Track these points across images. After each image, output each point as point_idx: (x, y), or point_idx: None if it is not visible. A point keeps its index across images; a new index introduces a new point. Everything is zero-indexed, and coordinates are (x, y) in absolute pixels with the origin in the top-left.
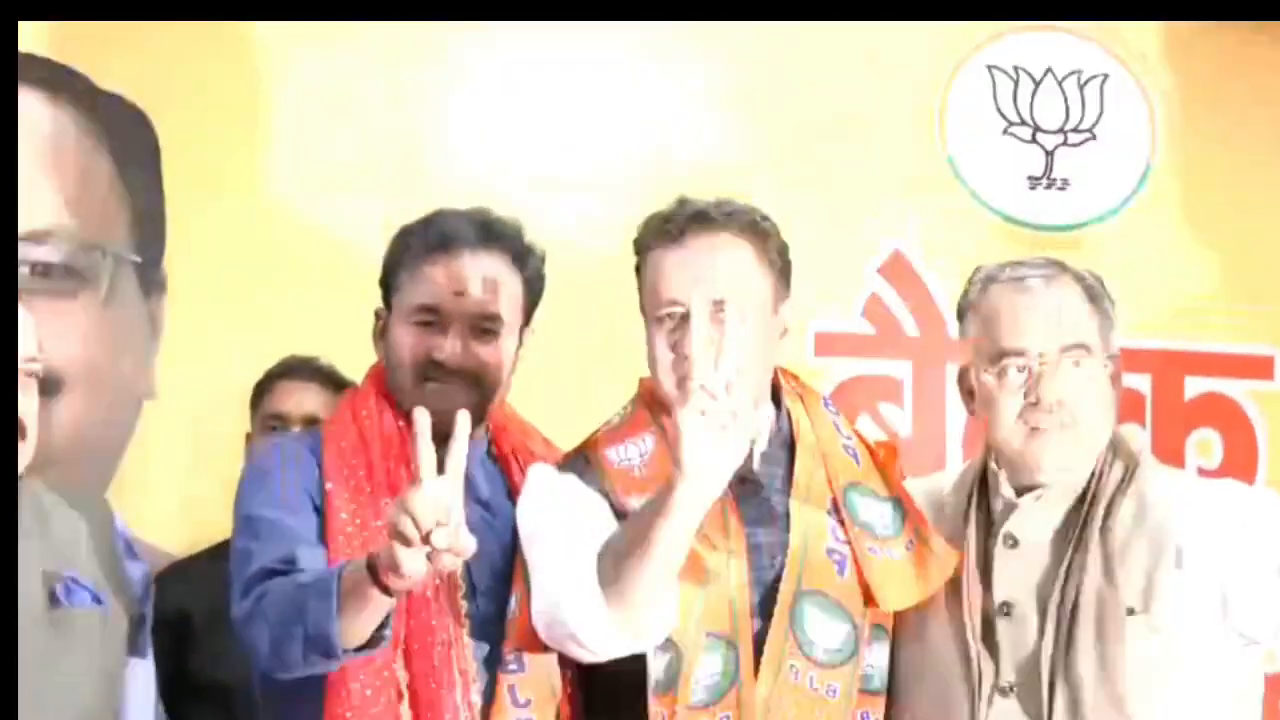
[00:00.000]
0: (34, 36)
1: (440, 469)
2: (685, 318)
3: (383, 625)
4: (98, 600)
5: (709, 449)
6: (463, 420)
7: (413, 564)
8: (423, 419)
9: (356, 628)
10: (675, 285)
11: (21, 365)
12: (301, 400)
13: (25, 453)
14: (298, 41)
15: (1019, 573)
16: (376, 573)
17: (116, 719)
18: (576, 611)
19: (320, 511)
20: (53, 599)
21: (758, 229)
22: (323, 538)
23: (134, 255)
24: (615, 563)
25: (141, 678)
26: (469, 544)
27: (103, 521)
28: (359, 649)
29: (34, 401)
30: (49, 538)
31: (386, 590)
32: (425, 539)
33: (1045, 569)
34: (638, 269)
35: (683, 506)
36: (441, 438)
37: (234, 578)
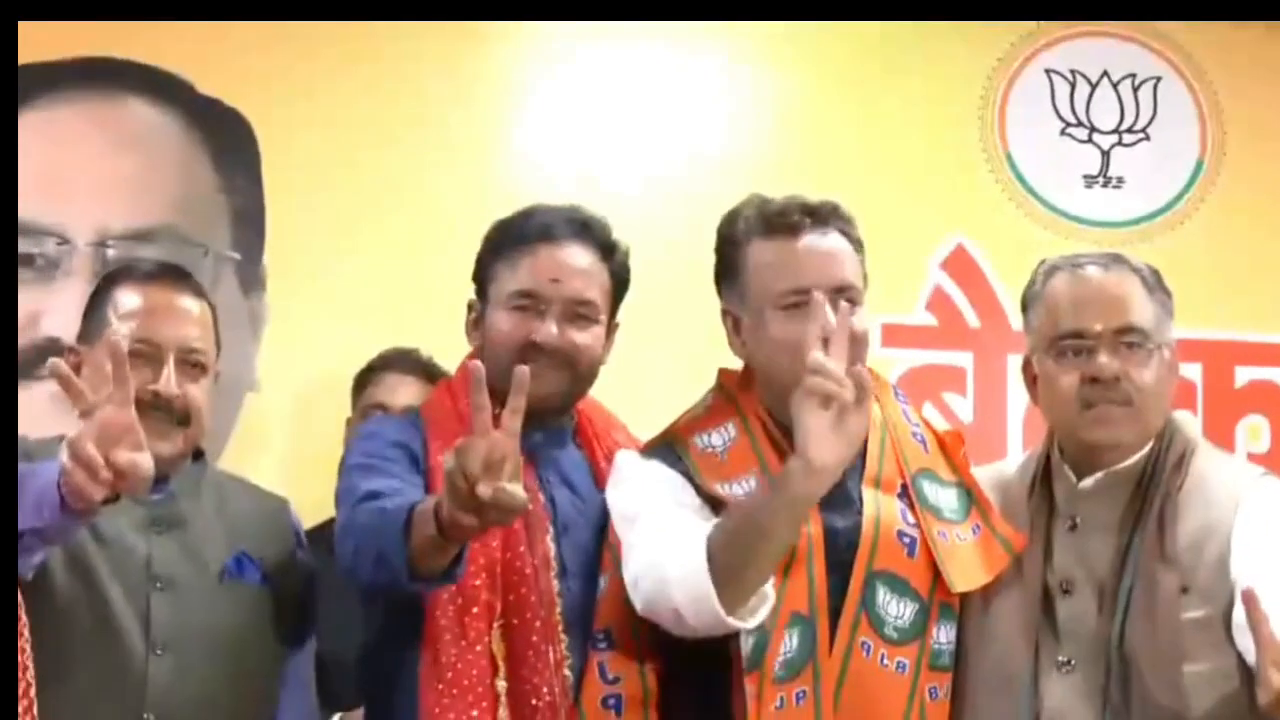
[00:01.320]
0: (136, 39)
1: (497, 425)
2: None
3: (455, 563)
4: (265, 578)
5: (829, 436)
6: (520, 376)
7: (463, 514)
8: (479, 372)
9: (429, 561)
10: (799, 274)
11: (183, 355)
12: (402, 391)
13: (194, 435)
14: (386, 42)
15: (1079, 554)
16: (439, 518)
17: (274, 695)
18: (685, 590)
19: (420, 470)
20: (223, 572)
21: (852, 226)
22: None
23: (234, 253)
24: (727, 545)
25: (302, 665)
26: (519, 501)
27: (278, 511)
28: (433, 579)
29: (199, 389)
30: (226, 517)
31: (445, 535)
32: (471, 489)
33: (1104, 550)
34: (729, 262)
35: (802, 492)
36: (534, 417)
37: (338, 509)
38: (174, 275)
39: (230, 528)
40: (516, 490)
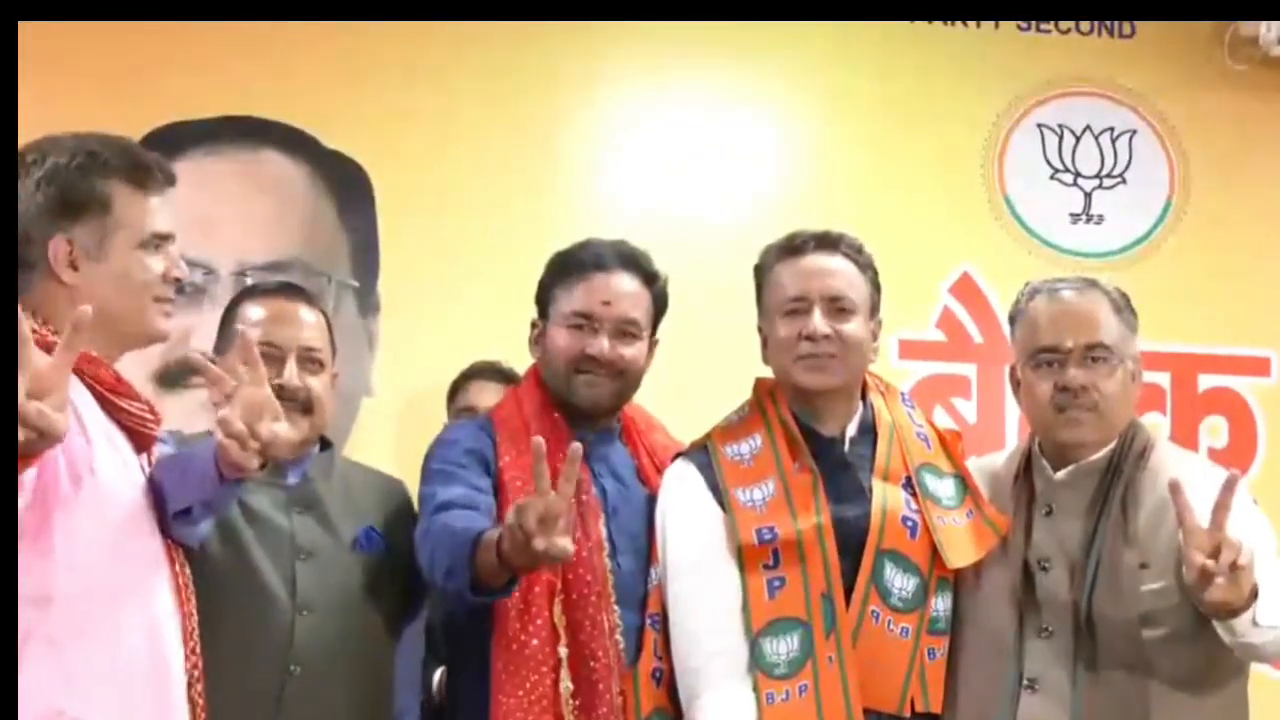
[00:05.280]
0: (273, 100)
1: (553, 487)
2: (805, 311)
3: (510, 582)
4: (388, 548)
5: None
6: (574, 453)
7: (520, 558)
8: (540, 448)
9: (489, 580)
10: (798, 285)
11: (302, 353)
12: (488, 396)
13: (318, 423)
14: (483, 98)
15: (1055, 535)
16: (500, 551)
17: (394, 649)
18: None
19: (491, 473)
20: (355, 544)
21: (861, 253)
22: (496, 493)
23: (353, 281)
24: None
25: (415, 624)
26: (566, 554)
27: (397, 491)
28: (491, 593)
29: (319, 382)
30: (353, 496)
31: (503, 565)
32: (528, 540)
33: (1075, 531)
34: (759, 286)
35: None
36: (587, 419)
37: (420, 513)
38: (291, 289)
39: (358, 505)
40: (566, 544)
